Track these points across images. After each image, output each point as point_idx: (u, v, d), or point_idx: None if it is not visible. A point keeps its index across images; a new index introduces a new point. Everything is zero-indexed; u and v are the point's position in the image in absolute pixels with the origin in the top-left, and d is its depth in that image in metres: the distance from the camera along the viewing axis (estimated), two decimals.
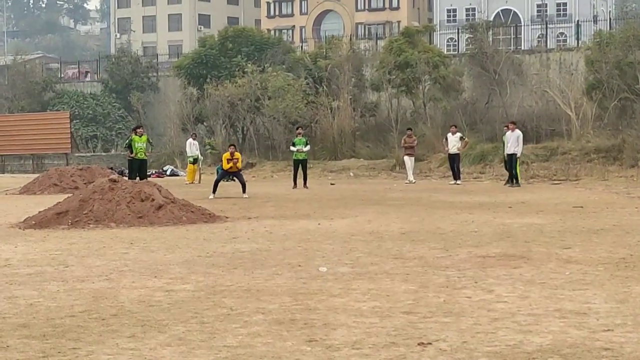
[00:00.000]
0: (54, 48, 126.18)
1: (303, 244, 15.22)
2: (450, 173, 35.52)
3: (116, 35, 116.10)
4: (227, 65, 51.56)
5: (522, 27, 73.11)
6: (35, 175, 37.49)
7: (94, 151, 56.51)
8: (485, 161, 39.56)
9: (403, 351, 7.51)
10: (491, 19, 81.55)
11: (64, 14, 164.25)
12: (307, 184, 32.75)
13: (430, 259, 13.12)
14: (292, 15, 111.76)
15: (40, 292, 10.65)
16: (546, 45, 56.94)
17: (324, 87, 48.22)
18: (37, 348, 7.77)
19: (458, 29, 60.92)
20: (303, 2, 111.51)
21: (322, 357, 7.34)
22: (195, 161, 38.64)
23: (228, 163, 28.21)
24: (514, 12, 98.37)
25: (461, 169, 35.67)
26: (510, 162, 32.16)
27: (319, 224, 18.82)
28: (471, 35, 51.55)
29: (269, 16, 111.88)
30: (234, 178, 29.03)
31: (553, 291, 10.31)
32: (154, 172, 42.88)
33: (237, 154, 28.82)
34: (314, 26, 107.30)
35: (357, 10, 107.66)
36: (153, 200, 19.40)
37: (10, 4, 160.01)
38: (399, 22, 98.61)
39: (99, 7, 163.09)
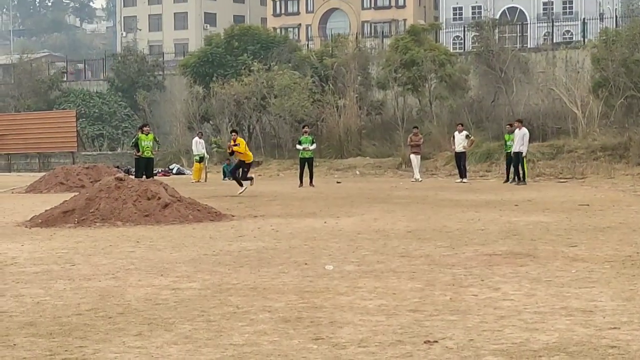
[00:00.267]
0: (60, 47, 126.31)
1: (309, 242, 15.23)
2: (457, 171, 35.53)
3: (122, 34, 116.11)
4: (233, 64, 51.60)
5: (529, 25, 73.03)
6: (42, 174, 37.55)
7: (100, 150, 56.58)
8: (492, 159, 39.55)
9: (409, 349, 7.52)
10: (497, 17, 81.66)
11: (70, 12, 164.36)
12: (314, 183, 32.77)
13: (436, 257, 13.12)
14: (298, 13, 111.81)
15: (46, 290, 10.66)
16: (552, 43, 56.79)
17: (330, 85, 48.24)
18: (43, 346, 7.78)
19: (464, 27, 60.90)
20: (309, 0, 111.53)
21: (329, 355, 7.34)
22: (201, 160, 38.66)
23: (240, 153, 28.10)
24: (520, 10, 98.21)
25: (467, 167, 35.67)
26: (517, 160, 32.22)
27: (325, 222, 18.83)
28: (477, 34, 51.52)
29: (275, 14, 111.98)
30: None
31: (559, 289, 10.30)
32: (160, 170, 42.92)
33: (239, 139, 28.61)
34: (320, 24, 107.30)
35: (363, 8, 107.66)
36: (159, 198, 19.41)
37: (16, 2, 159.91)
38: (405, 20, 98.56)
39: (105, 6, 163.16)
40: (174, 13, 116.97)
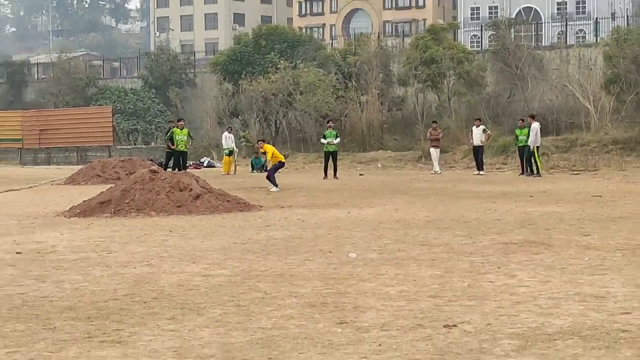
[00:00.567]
0: (96, 46, 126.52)
1: (334, 231, 15.24)
2: (474, 164, 35.44)
3: (155, 34, 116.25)
4: (260, 62, 51.56)
5: (543, 25, 72.46)
6: (80, 167, 37.65)
7: (134, 144, 56.63)
8: (508, 153, 39.33)
9: (429, 332, 7.52)
10: (513, 16, 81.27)
11: (106, 13, 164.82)
12: (337, 175, 32.73)
13: (455, 246, 13.11)
14: (322, 13, 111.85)
15: (85, 276, 10.73)
16: (566, 42, 56.40)
17: (353, 82, 48.13)
18: (82, 329, 7.83)
19: (481, 27, 60.54)
20: (333, 1, 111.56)
21: (352, 338, 7.36)
22: (230, 153, 38.70)
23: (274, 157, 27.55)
24: (535, 9, 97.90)
25: (484, 160, 35.59)
26: (529, 153, 32.22)
27: (348, 212, 18.84)
28: (494, 32, 51.29)
29: (300, 15, 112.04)
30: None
31: (573, 276, 10.28)
32: (191, 163, 42.94)
33: (265, 146, 28.19)
34: (343, 24, 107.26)
35: (384, 8, 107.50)
36: (191, 190, 19.46)
37: (55, 4, 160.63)
38: (424, 20, 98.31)
39: (139, 7, 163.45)
40: (205, 14, 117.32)
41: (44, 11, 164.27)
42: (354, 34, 66.24)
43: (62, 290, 9.75)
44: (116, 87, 63.96)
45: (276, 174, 27.09)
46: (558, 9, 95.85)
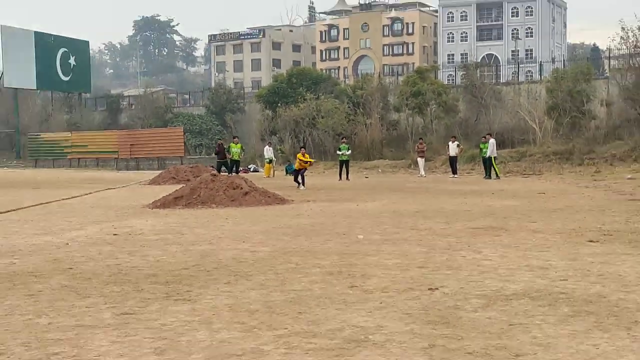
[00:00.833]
0: (171, 83, 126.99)
1: (346, 219, 15.22)
2: (450, 170, 35.38)
3: (215, 74, 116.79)
4: (292, 95, 51.58)
5: (501, 67, 72.29)
6: (159, 172, 37.79)
7: (200, 155, 56.81)
8: (475, 161, 39.21)
9: (418, 294, 7.50)
10: (479, 60, 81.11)
11: (179, 59, 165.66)
12: (349, 178, 32.70)
13: (436, 230, 13.07)
14: (338, 59, 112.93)
15: (163, 252, 10.75)
16: (518, 79, 56.23)
17: (361, 109, 48.11)
18: (162, 290, 7.85)
19: (455, 68, 60.44)
20: (345, 50, 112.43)
21: (361, 297, 7.35)
22: (270, 161, 38.81)
23: (304, 163, 27.04)
24: (495, 55, 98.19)
25: (458, 167, 35.54)
26: (490, 162, 32.25)
27: (357, 205, 18.82)
28: (465, 72, 51.20)
29: (322, 60, 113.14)
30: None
31: (524, 252, 10.23)
32: (241, 169, 42.98)
33: (299, 156, 27.87)
34: (353, 67, 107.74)
35: (383, 55, 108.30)
36: (241, 188, 19.49)
37: (142, 52, 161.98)
38: (413, 63, 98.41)
39: (203, 54, 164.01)
40: (252, 59, 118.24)
41: (133, 57, 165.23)
42: (361, 74, 66.25)
43: (147, 262, 9.78)
44: (186, 113, 64.17)
45: (306, 178, 27.18)
46: (512, 55, 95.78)
